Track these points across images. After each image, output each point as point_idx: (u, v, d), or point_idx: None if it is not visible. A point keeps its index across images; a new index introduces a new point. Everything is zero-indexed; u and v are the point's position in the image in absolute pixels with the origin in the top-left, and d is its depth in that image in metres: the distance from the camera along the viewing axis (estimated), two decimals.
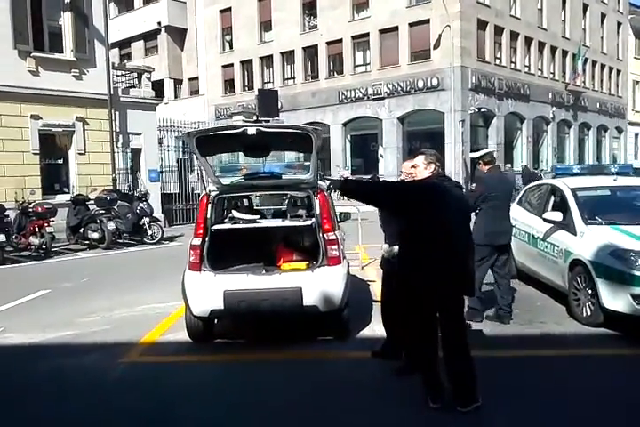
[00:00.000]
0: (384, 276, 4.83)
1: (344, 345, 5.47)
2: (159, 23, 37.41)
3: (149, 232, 13.86)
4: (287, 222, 5.85)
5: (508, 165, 25.40)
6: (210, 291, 5.25)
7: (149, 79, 17.91)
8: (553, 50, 31.75)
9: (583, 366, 4.87)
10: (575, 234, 6.26)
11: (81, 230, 13.35)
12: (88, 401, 4.35)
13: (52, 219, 12.23)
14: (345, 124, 29.05)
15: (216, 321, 5.86)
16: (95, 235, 13.08)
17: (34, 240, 12.03)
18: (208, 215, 5.47)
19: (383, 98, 27.18)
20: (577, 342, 5.54)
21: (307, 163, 6.08)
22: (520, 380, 4.52)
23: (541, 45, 30.75)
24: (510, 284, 6.38)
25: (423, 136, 27.45)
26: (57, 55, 15.33)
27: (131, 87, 18.00)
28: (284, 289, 5.22)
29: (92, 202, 13.70)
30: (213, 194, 5.53)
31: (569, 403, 4.13)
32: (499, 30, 27.58)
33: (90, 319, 6.71)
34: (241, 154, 5.74)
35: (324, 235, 5.40)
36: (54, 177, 15.80)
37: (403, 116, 27.05)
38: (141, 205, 14.00)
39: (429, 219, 3.82)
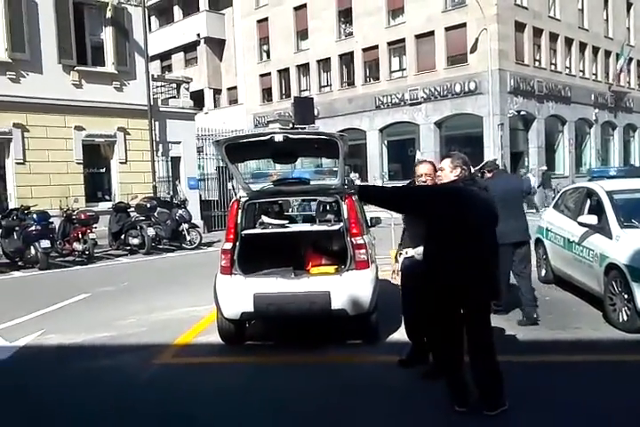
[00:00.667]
0: (403, 282, 4.82)
1: (373, 349, 5.48)
2: (198, 35, 38.21)
3: (188, 238, 14.17)
4: (315, 227, 5.92)
5: (523, 170, 24.82)
6: (240, 294, 5.37)
7: (188, 89, 18.33)
8: (595, 50, 31.05)
9: (616, 373, 4.76)
10: (611, 238, 6.13)
11: (122, 237, 13.73)
12: (117, 400, 4.49)
13: (94, 225, 12.64)
14: (381, 130, 29.03)
15: (248, 324, 5.97)
16: (135, 241, 13.45)
17: (77, 246, 12.45)
18: (238, 221, 5.59)
19: (420, 103, 27.07)
20: (611, 347, 5.41)
21: (335, 168, 6.15)
22: (549, 385, 4.45)
23: (583, 46, 30.13)
24: (530, 283, 6.30)
25: (461, 140, 27.17)
26: (99, 68, 15.89)
27: (171, 98, 18.49)
28: (312, 293, 5.29)
29: (133, 209, 14.10)
30: (243, 200, 5.65)
31: (598, 409, 4.05)
32: (537, 32, 27.16)
33: (127, 322, 6.92)
34: (271, 160, 5.85)
35: (352, 239, 5.45)
36: (97, 185, 16.34)
37: (440, 121, 26.87)
38: (180, 211, 14.33)
39: (454, 222, 3.81)
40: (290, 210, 9.05)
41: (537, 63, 27.30)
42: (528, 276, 6.33)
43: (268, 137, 4.97)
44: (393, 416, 4.04)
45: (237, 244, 5.53)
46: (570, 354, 5.21)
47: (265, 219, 5.88)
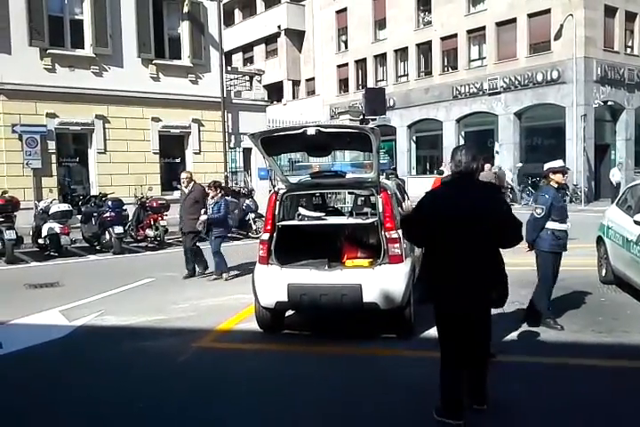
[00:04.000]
0: None
1: (405, 344, 5.49)
2: (279, 26, 38.72)
3: (254, 227, 14.54)
4: (351, 220, 5.97)
5: (497, 165, 23.13)
6: (275, 284, 5.53)
7: (260, 82, 18.72)
8: None
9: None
10: None
11: None
12: (149, 380, 4.78)
13: (165, 213, 13.24)
14: (458, 121, 28.34)
15: (286, 314, 6.13)
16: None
17: (149, 232, 13.13)
18: (276, 212, 5.74)
19: (499, 93, 26.17)
20: None
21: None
22: (569, 390, 4.33)
23: None
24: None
25: (542, 132, 26.09)
26: (175, 62, 16.55)
27: (245, 90, 18.97)
28: (343, 285, 5.36)
29: None
30: (281, 192, 5.79)
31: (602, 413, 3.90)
32: (630, 16, 25.47)
33: (179, 306, 7.28)
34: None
35: (386, 233, 5.46)
36: (172, 175, 17.03)
37: (520, 112, 25.88)
38: (247, 201, 14.73)
39: (437, 227, 3.69)
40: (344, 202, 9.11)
41: (628, 50, 25.63)
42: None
43: (301, 130, 5.06)
44: (411, 412, 4.05)
45: (274, 235, 5.68)
46: (602, 358, 5.00)
47: (302, 211, 6.00)
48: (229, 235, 14.54)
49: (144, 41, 15.83)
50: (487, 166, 21.19)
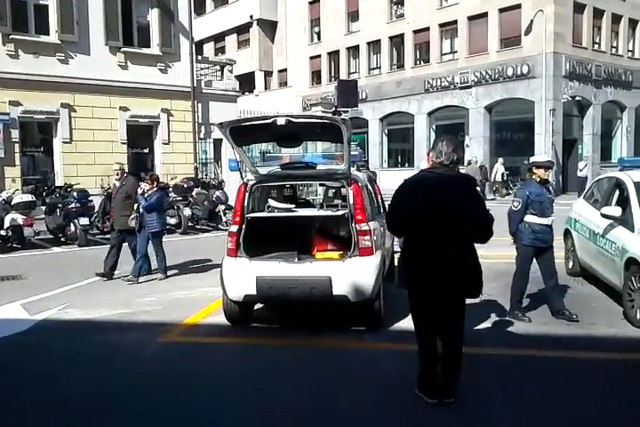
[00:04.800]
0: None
1: (373, 336, 5.47)
2: (251, 16, 38.28)
3: (224, 219, 14.36)
4: (321, 212, 5.90)
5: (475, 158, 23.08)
6: (244, 276, 5.44)
7: (231, 72, 18.47)
8: None
9: (613, 371, 4.58)
10: (633, 231, 5.86)
11: None
12: (112, 375, 4.65)
13: None
14: (430, 114, 28.47)
15: (255, 307, 6.04)
16: (173, 220, 13.73)
17: None
18: (245, 204, 5.63)
19: (470, 86, 26.36)
20: (622, 346, 5.20)
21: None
22: (537, 381, 4.36)
23: None
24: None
25: (512, 126, 26.39)
26: (144, 50, 16.21)
27: (215, 80, 18.67)
28: (313, 278, 5.30)
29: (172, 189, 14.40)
30: (250, 183, 5.69)
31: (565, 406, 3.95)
32: (598, 13, 25.86)
33: (146, 300, 7.13)
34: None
35: (357, 225, 5.41)
36: (140, 165, 16.75)
37: (490, 106, 26.12)
38: (217, 193, 14.55)
39: (415, 215, 3.75)
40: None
41: (596, 46, 26.05)
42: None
43: (271, 120, 4.95)
44: (363, 405, 4.02)
45: (243, 227, 5.58)
46: (570, 349, 5.05)
47: (271, 202, 5.90)
48: (198, 226, 14.47)
49: (112, 28, 15.46)
50: (473, 160, 21.38)
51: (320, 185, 7.62)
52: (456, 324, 3.90)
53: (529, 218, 5.80)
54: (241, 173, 5.68)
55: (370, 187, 6.54)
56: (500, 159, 23.73)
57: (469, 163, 21.40)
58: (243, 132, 5.26)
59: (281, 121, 4.91)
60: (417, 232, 3.77)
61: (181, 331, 5.87)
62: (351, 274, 5.31)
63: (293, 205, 6.03)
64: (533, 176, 5.92)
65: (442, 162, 3.75)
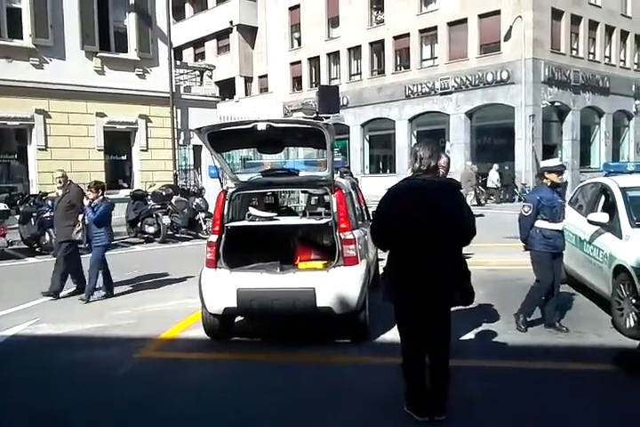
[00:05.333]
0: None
1: (360, 349, 5.28)
2: (231, 22, 38.07)
3: (204, 227, 14.08)
4: (304, 220, 5.70)
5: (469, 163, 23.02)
6: (224, 288, 5.22)
7: (210, 77, 18.23)
8: (638, 39, 29.75)
9: (605, 382, 4.44)
10: (621, 237, 5.76)
11: (139, 224, 13.75)
12: (87, 394, 4.40)
13: None
14: (411, 120, 28.49)
15: (235, 319, 5.81)
16: (151, 229, 13.45)
17: None
18: (225, 212, 5.42)
19: (451, 92, 26.43)
20: (608, 356, 5.05)
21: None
22: (529, 395, 4.20)
23: (624, 34, 28.88)
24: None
25: (492, 132, 26.51)
26: (121, 55, 15.89)
27: (194, 85, 18.41)
28: (296, 289, 5.10)
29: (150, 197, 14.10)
30: (230, 191, 5.48)
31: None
32: (576, 20, 26.13)
33: (120, 313, 6.85)
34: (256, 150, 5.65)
35: (341, 234, 5.23)
36: (118, 173, 16.42)
37: (471, 111, 26.21)
38: (197, 200, 14.28)
39: (402, 222, 3.65)
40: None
41: (574, 52, 26.31)
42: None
43: (251, 125, 4.76)
44: (363, 422, 3.85)
45: (223, 236, 5.36)
46: (560, 361, 4.91)
47: (252, 211, 5.69)
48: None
49: (88, 33, 15.12)
50: (468, 164, 21.22)
51: (302, 192, 7.40)
52: (445, 334, 3.76)
53: (539, 223, 5.62)
54: (220, 181, 5.46)
55: (354, 194, 6.37)
56: (495, 165, 23.45)
57: (464, 167, 21.28)
58: (222, 138, 5.05)
59: (261, 126, 4.72)
60: (403, 240, 3.64)
61: (159, 346, 5.62)
62: (336, 285, 5.12)
63: (275, 214, 5.83)
64: (544, 181, 5.74)
65: (420, 168, 3.68)
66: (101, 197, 7.61)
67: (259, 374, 4.75)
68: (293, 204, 8.96)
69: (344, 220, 5.23)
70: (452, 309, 4.10)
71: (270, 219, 5.61)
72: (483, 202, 22.10)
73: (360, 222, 5.78)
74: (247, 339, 5.74)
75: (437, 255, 3.62)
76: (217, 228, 5.38)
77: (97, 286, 7.66)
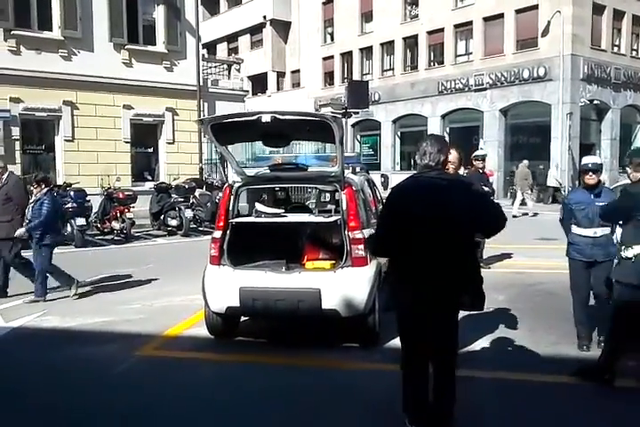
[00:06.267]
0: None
1: (367, 354, 5.02)
2: (264, 17, 37.99)
3: None
4: (312, 218, 5.45)
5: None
6: (226, 287, 5.02)
7: (238, 71, 18.10)
8: None
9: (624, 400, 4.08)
10: None
11: (161, 217, 13.72)
12: (81, 393, 4.26)
13: (132, 205, 12.65)
14: (444, 117, 27.92)
15: (240, 319, 5.62)
16: (174, 222, 13.40)
17: (115, 225, 12.54)
18: (230, 207, 5.22)
19: (485, 89, 25.77)
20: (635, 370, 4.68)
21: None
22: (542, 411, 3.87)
23: None
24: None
25: (527, 130, 25.77)
26: (149, 47, 15.87)
27: (222, 79, 18.31)
28: (301, 290, 4.87)
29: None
30: (236, 185, 5.27)
31: None
32: (619, 15, 25.17)
33: (129, 307, 6.73)
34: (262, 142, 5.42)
35: (350, 233, 4.96)
36: (144, 165, 16.44)
37: (505, 109, 25.52)
38: (221, 194, 14.14)
39: (406, 226, 3.37)
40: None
41: (615, 49, 25.37)
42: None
43: (255, 117, 4.53)
44: None
45: (228, 232, 5.16)
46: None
47: (258, 206, 5.47)
48: (201, 228, 14.07)
49: (116, 25, 15.14)
50: (524, 162, 20.51)
51: (312, 189, 7.16)
52: (451, 341, 3.49)
53: (572, 228, 5.16)
54: (225, 175, 5.26)
55: (368, 191, 6.10)
56: (557, 163, 22.76)
57: (517, 166, 20.58)
58: (226, 130, 4.84)
59: (266, 118, 4.48)
60: (406, 243, 3.35)
61: (161, 344, 5.45)
62: (342, 286, 4.87)
63: (282, 210, 5.59)
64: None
65: (427, 164, 3.41)
66: (44, 191, 7.04)
67: (258, 378, 4.53)
68: (312, 200, 8.69)
69: (354, 218, 4.97)
70: (466, 314, 3.85)
71: (277, 215, 5.38)
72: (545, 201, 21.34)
73: (372, 221, 5.50)
74: (252, 339, 5.53)
75: (444, 259, 3.33)
76: (221, 223, 5.18)
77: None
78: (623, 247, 4.32)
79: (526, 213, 17.88)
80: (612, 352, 4.36)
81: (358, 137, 32.12)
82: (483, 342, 5.24)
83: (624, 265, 4.31)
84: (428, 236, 3.32)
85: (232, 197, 5.22)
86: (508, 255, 9.99)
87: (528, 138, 25.89)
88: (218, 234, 5.18)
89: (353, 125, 29.28)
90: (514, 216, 17.04)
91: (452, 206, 3.34)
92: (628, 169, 4.52)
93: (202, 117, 4.74)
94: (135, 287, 7.85)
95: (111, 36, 15.09)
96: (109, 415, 3.90)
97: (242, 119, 4.68)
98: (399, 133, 30.59)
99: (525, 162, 20.20)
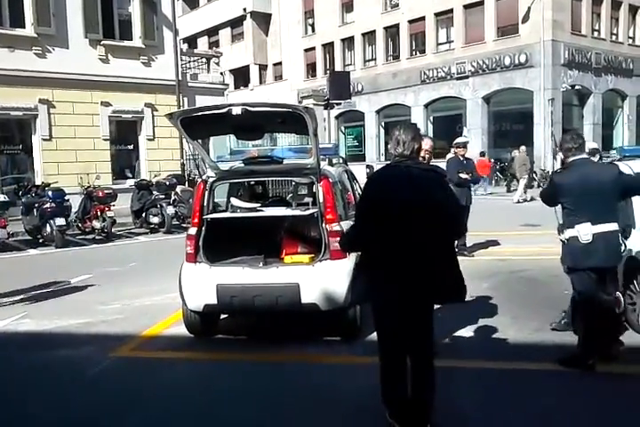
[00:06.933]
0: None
1: (349, 348, 4.95)
2: (244, 9, 37.64)
3: None
4: (289, 211, 5.36)
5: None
6: (204, 284, 4.92)
7: (218, 64, 17.89)
8: None
9: (611, 387, 4.04)
10: (634, 227, 5.31)
11: (143, 215, 13.55)
12: (54, 395, 4.16)
13: (112, 203, 12.47)
14: (427, 106, 27.91)
15: (219, 316, 5.52)
16: (156, 219, 13.25)
17: (96, 224, 12.35)
18: (204, 203, 5.11)
19: (467, 77, 25.78)
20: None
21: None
22: (525, 401, 3.83)
23: None
24: None
25: (510, 116, 25.84)
26: (126, 43, 15.63)
27: (201, 73, 18.08)
28: (279, 285, 4.78)
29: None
30: (210, 180, 5.15)
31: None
32: (598, 0, 25.22)
33: (108, 307, 6.61)
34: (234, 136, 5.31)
35: (327, 226, 4.88)
36: (124, 162, 16.24)
37: (488, 96, 25.55)
38: None
39: (383, 216, 3.28)
40: None
41: (595, 33, 25.44)
42: None
43: (226, 110, 4.41)
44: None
45: (203, 229, 5.05)
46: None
47: (234, 201, 5.36)
48: (184, 225, 13.89)
49: (91, 20, 14.87)
50: (522, 148, 20.37)
51: (287, 181, 7.06)
52: (427, 331, 3.42)
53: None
54: (199, 170, 5.14)
55: (347, 183, 6.01)
56: (523, 147, 22.61)
57: (514, 152, 20.48)
58: (197, 124, 4.72)
59: (237, 110, 4.37)
60: (382, 234, 3.27)
61: (138, 344, 5.34)
62: (322, 280, 4.79)
63: (258, 204, 5.49)
64: None
65: (402, 153, 3.33)
66: None
67: (236, 376, 4.45)
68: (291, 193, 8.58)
69: (331, 210, 4.89)
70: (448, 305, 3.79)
71: (253, 210, 5.27)
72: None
73: (351, 213, 5.42)
74: (232, 337, 5.44)
75: (420, 249, 3.25)
76: (196, 220, 5.07)
77: None
78: (560, 231, 4.43)
79: (526, 200, 17.86)
80: (588, 337, 4.33)
81: (342, 128, 32.00)
82: (465, 332, 5.19)
83: (562, 248, 4.46)
84: (402, 227, 3.24)
85: (206, 193, 5.11)
86: (494, 242, 9.96)
87: (511, 125, 25.97)
88: (193, 231, 5.07)
89: (337, 117, 29.14)
90: (518, 202, 17.34)
91: (427, 197, 3.28)
92: (559, 153, 4.63)
93: (170, 111, 4.59)
94: (117, 287, 7.71)
95: (86, 32, 14.83)
96: (83, 418, 3.80)
97: (212, 112, 4.56)
98: (383, 124, 30.53)
99: (523, 148, 20.16)
